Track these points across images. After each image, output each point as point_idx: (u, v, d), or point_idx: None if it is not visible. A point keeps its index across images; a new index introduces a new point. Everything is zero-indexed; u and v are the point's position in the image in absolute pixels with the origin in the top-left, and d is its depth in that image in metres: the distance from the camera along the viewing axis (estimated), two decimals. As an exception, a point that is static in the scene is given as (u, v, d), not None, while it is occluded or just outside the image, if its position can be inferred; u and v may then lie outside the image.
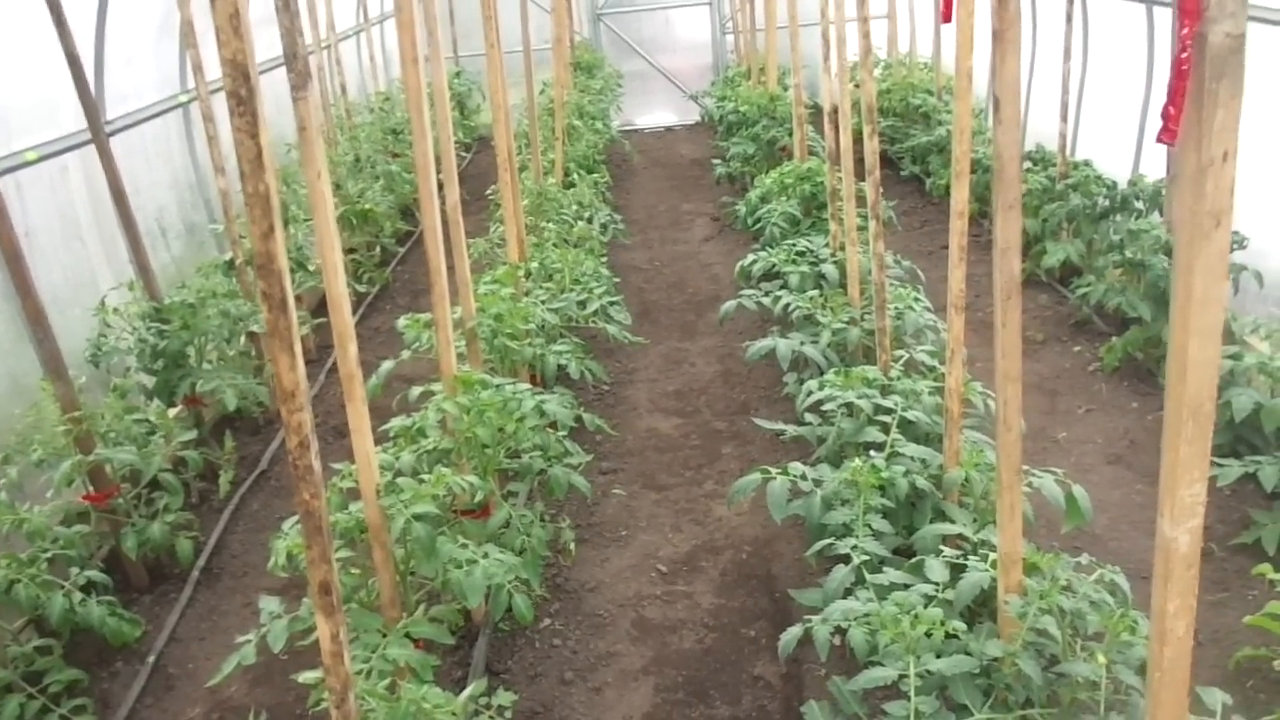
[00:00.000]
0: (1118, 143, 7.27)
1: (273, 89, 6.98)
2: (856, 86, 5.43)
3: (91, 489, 4.32)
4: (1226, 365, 4.54)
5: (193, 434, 4.89)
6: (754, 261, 5.76)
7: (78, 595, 3.83)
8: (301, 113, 2.57)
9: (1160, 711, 1.88)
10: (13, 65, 4.84)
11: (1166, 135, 1.52)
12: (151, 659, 4.10)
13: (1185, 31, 1.41)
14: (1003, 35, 2.25)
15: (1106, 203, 6.49)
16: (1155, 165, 6.67)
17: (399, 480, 3.29)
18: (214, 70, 6.44)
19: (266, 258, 1.95)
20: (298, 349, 2.05)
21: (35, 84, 5.10)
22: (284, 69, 2.54)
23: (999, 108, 2.31)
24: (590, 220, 7.18)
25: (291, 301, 2.02)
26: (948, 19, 2.99)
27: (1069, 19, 6.81)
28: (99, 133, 4.94)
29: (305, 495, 2.16)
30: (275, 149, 7.27)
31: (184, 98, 6.73)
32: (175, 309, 5.23)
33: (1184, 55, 1.42)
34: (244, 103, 1.81)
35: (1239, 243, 5.37)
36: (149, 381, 5.24)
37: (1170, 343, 1.64)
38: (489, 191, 7.73)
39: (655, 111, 14.28)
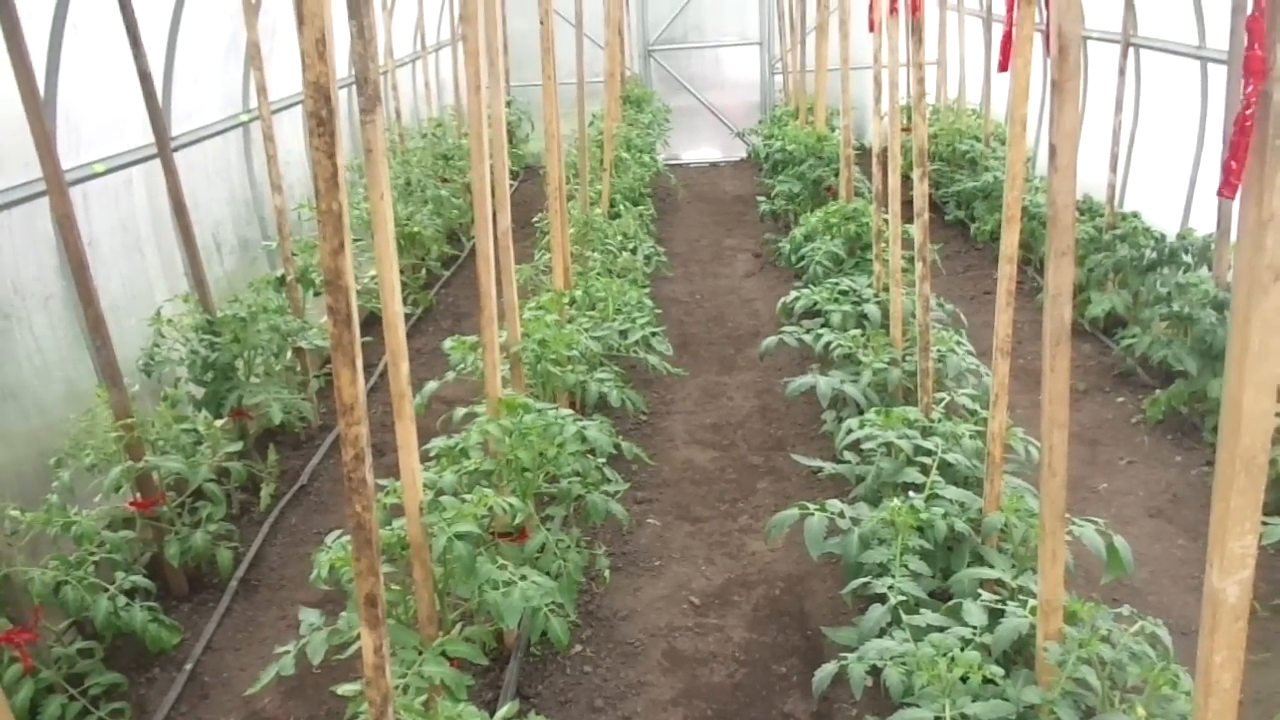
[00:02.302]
0: (1167, 196, 7.23)
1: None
2: (906, 130, 5.47)
3: (139, 495, 4.41)
4: (1274, 422, 4.48)
5: (238, 446, 4.97)
6: (796, 298, 5.79)
7: (121, 599, 3.90)
8: (369, 135, 2.65)
9: (1203, 765, 1.87)
10: (88, 81, 5.00)
11: (1228, 189, 1.54)
12: (188, 666, 4.15)
13: (1249, 89, 1.44)
14: (1062, 86, 2.28)
15: (1154, 255, 6.46)
16: (1205, 220, 6.63)
17: (441, 499, 3.34)
18: (276, 91, 6.62)
19: (335, 273, 2.01)
20: (359, 363, 2.11)
21: (107, 99, 5.26)
22: (341, 91, 2.62)
23: (1055, 155, 2.34)
24: (634, 251, 7.26)
25: (356, 316, 2.07)
26: (1004, 68, 3.02)
27: (1121, 72, 6.82)
28: (165, 148, 5.09)
29: (357, 508, 2.21)
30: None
31: (245, 117, 6.90)
32: (227, 322, 5.35)
33: (1248, 111, 1.45)
34: (324, 124, 1.88)
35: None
36: (198, 392, 5.34)
37: (1225, 395, 1.65)
38: (535, 219, 7.84)
39: (701, 147, 14.41)
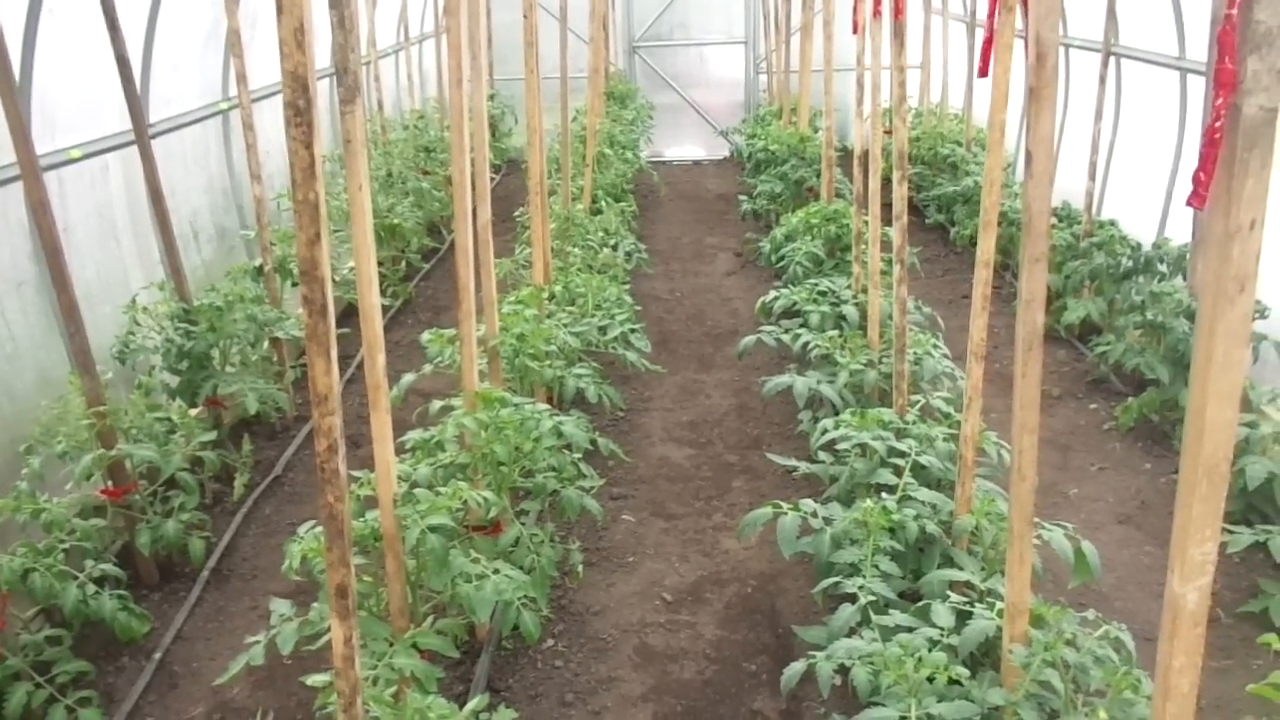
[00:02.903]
0: (1144, 205, 7.31)
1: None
2: (888, 133, 5.50)
3: (110, 484, 4.38)
4: (1242, 433, 4.54)
5: (212, 435, 4.93)
6: (775, 298, 5.81)
7: (91, 588, 3.88)
8: (349, 126, 2.64)
9: (1161, 768, 1.90)
10: (64, 65, 4.96)
11: (1196, 200, 1.57)
12: (157, 656, 4.12)
13: (1219, 101, 1.46)
14: (1039, 93, 2.30)
15: (1130, 263, 6.52)
16: (1180, 229, 6.71)
17: (416, 491, 3.33)
18: (257, 80, 6.57)
19: (310, 264, 2.01)
20: (334, 354, 2.11)
21: (83, 84, 5.21)
22: (322, 82, 2.61)
23: (1031, 163, 2.36)
24: (615, 248, 7.26)
25: (331, 307, 2.07)
26: (984, 73, 3.05)
27: (1102, 80, 6.87)
28: (142, 134, 5.04)
29: (330, 498, 2.21)
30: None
31: (225, 105, 6.85)
32: (203, 311, 5.31)
33: (1217, 124, 1.47)
34: (301, 114, 1.88)
35: (1260, 313, 5.38)
36: (173, 381, 5.31)
37: (1189, 403, 1.67)
38: (516, 213, 7.83)
39: (684, 145, 14.43)
